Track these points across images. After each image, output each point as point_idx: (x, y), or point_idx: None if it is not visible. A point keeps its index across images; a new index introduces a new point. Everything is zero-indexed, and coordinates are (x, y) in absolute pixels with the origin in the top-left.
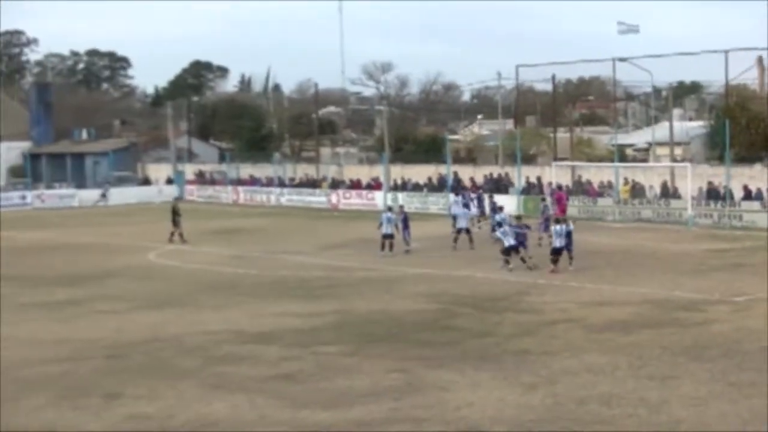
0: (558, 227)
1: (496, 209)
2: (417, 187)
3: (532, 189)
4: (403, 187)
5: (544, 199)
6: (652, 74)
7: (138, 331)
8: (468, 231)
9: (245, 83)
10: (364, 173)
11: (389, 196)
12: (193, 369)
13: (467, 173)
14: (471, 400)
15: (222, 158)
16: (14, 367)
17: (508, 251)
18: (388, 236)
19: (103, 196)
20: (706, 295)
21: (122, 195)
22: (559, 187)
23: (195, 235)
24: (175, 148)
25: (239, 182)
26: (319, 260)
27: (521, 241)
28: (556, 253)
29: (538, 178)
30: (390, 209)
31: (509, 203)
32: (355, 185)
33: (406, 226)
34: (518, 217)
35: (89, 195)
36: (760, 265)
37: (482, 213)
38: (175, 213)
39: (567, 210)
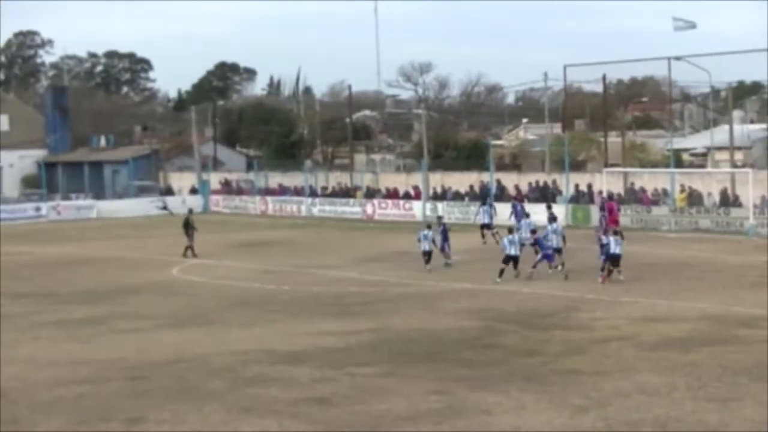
0: (613, 239)
1: (520, 215)
2: (458, 196)
3: (581, 197)
4: (443, 196)
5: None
6: (710, 73)
7: (161, 351)
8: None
9: (274, 86)
10: (401, 181)
11: (428, 206)
12: (220, 391)
13: (511, 181)
14: (516, 423)
15: (249, 166)
16: (30, 390)
17: (507, 260)
18: (427, 253)
19: (165, 208)
20: None
21: (143, 206)
22: (610, 197)
23: (221, 248)
24: (200, 155)
25: (268, 192)
26: (353, 275)
27: (548, 254)
28: (614, 260)
29: (588, 186)
30: (429, 227)
31: (557, 213)
32: (392, 194)
33: (445, 238)
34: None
35: (108, 206)
36: None
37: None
38: (189, 226)
39: (620, 220)
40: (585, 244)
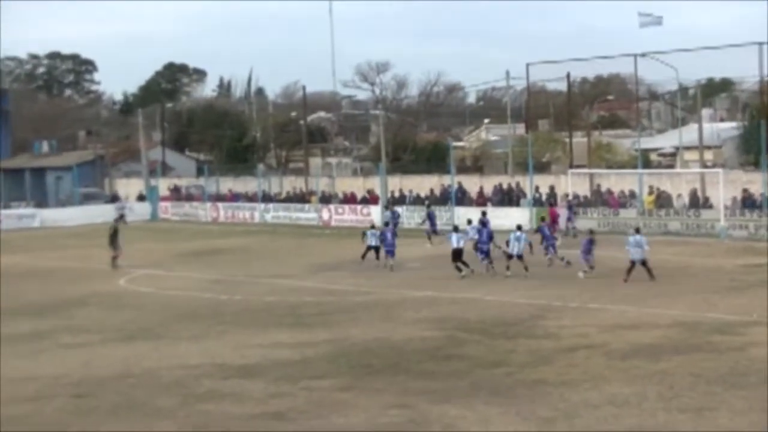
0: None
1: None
2: (418, 200)
3: (546, 201)
4: (402, 200)
5: (543, 219)
6: (677, 70)
7: (108, 366)
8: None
9: (225, 87)
10: (358, 186)
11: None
12: (171, 408)
13: (474, 184)
14: None
15: (200, 171)
16: None
17: (454, 255)
18: (374, 248)
19: (121, 217)
20: (742, 315)
21: (88, 214)
22: (550, 204)
23: (170, 257)
24: (147, 160)
25: (219, 198)
26: (309, 284)
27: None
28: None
29: (551, 188)
30: (373, 227)
31: (521, 217)
32: (349, 199)
33: (394, 234)
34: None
35: (51, 215)
36: None
37: (434, 231)
38: (114, 235)
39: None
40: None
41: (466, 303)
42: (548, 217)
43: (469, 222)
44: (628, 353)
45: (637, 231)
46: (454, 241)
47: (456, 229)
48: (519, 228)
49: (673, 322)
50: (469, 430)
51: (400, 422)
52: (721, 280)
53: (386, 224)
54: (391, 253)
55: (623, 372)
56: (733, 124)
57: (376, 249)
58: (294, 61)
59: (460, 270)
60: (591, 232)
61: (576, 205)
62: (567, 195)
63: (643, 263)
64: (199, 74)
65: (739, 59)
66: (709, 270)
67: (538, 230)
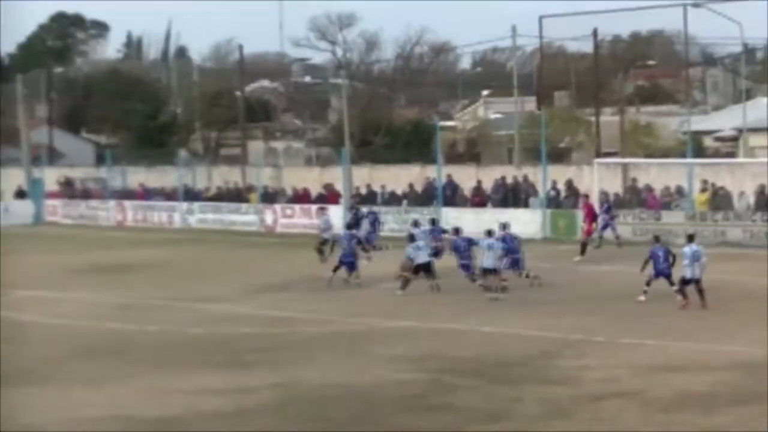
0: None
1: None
2: (394, 198)
3: (564, 200)
4: (372, 198)
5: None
6: (742, 26)
7: None
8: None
9: (134, 47)
10: (313, 179)
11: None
12: None
13: (468, 177)
14: None
15: (100, 159)
16: None
17: (417, 270)
18: (326, 242)
19: None
20: None
21: None
22: (586, 196)
23: (61, 274)
24: (29, 144)
25: (127, 195)
26: (247, 310)
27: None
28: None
29: (569, 183)
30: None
31: (530, 221)
32: (301, 197)
33: (373, 230)
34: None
35: None
36: None
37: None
38: None
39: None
40: (569, 264)
41: (455, 336)
42: (585, 216)
43: (416, 224)
44: (671, 404)
45: (691, 239)
46: (412, 254)
47: (412, 237)
48: (489, 233)
49: (731, 362)
50: None
51: None
52: None
53: (349, 227)
54: (350, 265)
55: (665, 429)
56: None
57: (332, 243)
58: (227, 12)
59: (405, 284)
60: (657, 239)
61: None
62: (605, 194)
63: (697, 282)
64: (100, 28)
65: None
66: None
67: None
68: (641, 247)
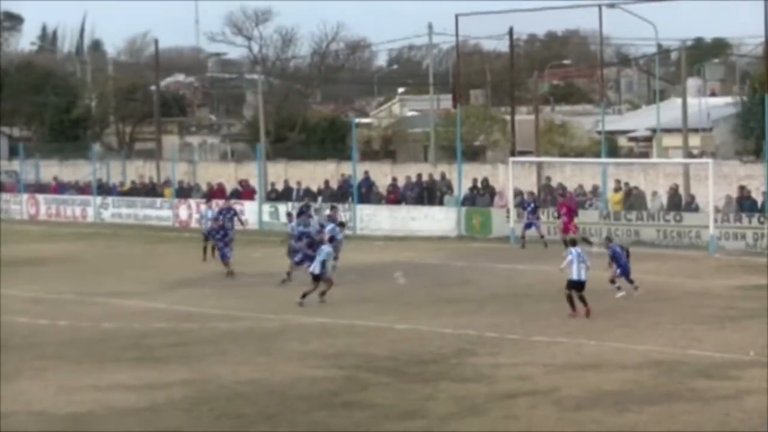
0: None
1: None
2: (308, 195)
3: (479, 197)
4: (287, 194)
5: None
6: (656, 27)
7: None
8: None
9: (49, 39)
10: (228, 174)
11: (266, 208)
12: None
13: (383, 174)
14: None
15: (13, 152)
16: None
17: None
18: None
19: None
20: (736, 354)
21: None
22: (562, 194)
23: None
24: None
25: (40, 188)
26: (161, 305)
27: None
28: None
29: (485, 181)
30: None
31: (445, 219)
32: (215, 193)
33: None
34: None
35: None
36: None
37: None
38: None
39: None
40: (485, 263)
41: (370, 333)
42: (559, 214)
43: (290, 216)
44: (584, 402)
45: (578, 241)
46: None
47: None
48: (609, 240)
49: (644, 361)
50: None
51: None
52: (708, 307)
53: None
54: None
55: (578, 426)
56: (729, 99)
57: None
58: (143, 6)
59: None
60: (610, 239)
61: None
62: (531, 193)
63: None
64: (13, 20)
65: (738, 14)
66: (692, 293)
67: None
68: (554, 247)
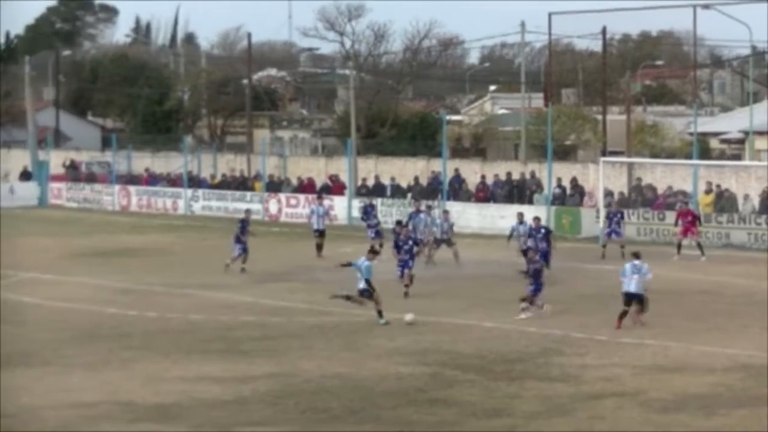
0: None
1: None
2: (398, 191)
3: (568, 197)
4: (379, 190)
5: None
6: (750, 28)
7: None
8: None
9: (142, 32)
10: (318, 169)
11: (356, 203)
12: None
13: (473, 171)
14: None
15: (106, 143)
16: None
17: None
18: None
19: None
20: None
21: None
22: (685, 203)
23: (63, 257)
24: (35, 126)
25: (131, 180)
26: (248, 298)
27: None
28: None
29: (573, 180)
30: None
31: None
32: (306, 187)
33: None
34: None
35: None
36: None
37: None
38: None
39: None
40: (573, 263)
41: (457, 330)
42: (680, 221)
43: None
44: (671, 405)
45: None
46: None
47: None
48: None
49: (732, 364)
50: None
51: None
52: None
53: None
54: None
55: (664, 428)
56: None
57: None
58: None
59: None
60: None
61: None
62: (611, 193)
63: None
64: (108, 12)
65: None
66: None
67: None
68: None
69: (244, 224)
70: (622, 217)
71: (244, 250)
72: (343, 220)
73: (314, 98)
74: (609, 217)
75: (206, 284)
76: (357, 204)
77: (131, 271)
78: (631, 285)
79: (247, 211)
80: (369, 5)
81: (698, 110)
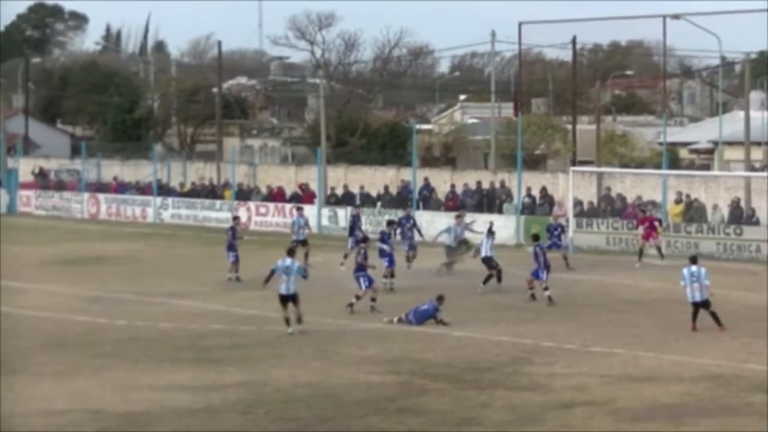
0: None
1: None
2: (368, 200)
3: (538, 207)
4: (348, 199)
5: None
6: (720, 39)
7: None
8: None
9: (112, 39)
10: (288, 177)
11: (325, 212)
12: None
13: (443, 180)
14: None
15: (75, 151)
16: None
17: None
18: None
19: None
20: None
21: None
22: (643, 210)
23: (32, 265)
24: (4, 134)
25: (101, 188)
26: (219, 306)
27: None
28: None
29: (543, 190)
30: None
31: (504, 227)
32: (275, 196)
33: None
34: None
35: None
36: None
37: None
38: None
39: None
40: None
41: (427, 339)
42: (641, 227)
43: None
44: (640, 414)
45: (694, 260)
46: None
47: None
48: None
49: (700, 374)
50: None
51: None
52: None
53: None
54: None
55: None
56: None
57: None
58: (207, 8)
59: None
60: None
61: (579, 214)
62: (580, 202)
63: (706, 305)
64: (78, 20)
65: None
66: (752, 307)
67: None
68: (611, 257)
69: (234, 231)
70: (563, 231)
71: (238, 258)
72: (313, 229)
73: (284, 107)
74: (549, 230)
75: (176, 292)
76: (327, 213)
77: (101, 279)
78: (696, 294)
79: (236, 218)
80: (339, 14)
81: (668, 120)
